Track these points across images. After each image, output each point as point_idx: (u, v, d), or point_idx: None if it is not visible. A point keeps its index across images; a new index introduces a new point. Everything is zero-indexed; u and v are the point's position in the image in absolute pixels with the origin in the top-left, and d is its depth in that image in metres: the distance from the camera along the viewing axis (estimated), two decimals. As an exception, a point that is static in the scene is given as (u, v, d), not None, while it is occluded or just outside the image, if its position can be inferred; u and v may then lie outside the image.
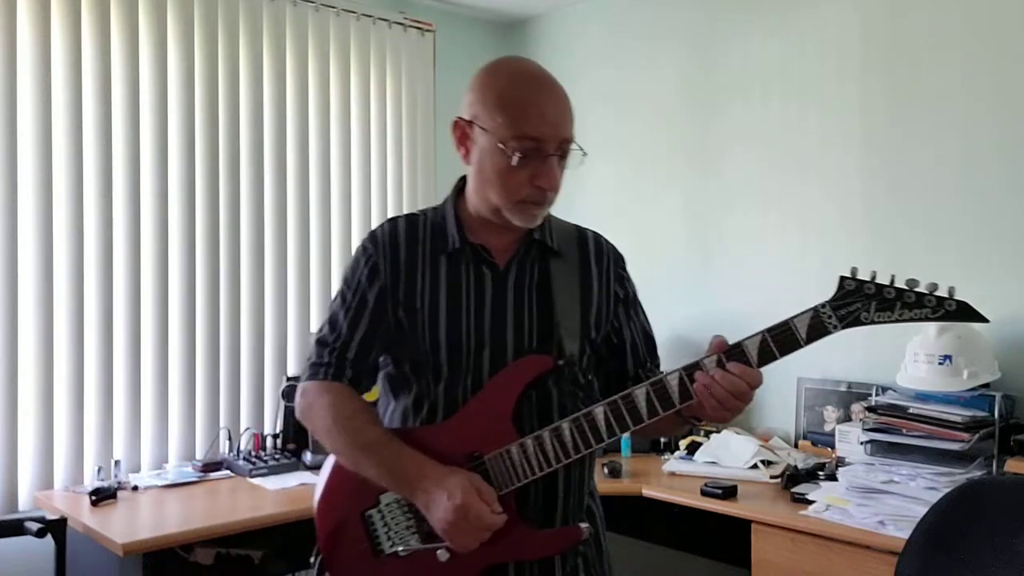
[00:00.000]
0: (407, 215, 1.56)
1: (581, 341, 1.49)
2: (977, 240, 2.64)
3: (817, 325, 1.28)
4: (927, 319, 1.25)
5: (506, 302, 1.47)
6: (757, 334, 1.31)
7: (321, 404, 1.48)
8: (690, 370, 1.34)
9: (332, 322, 1.52)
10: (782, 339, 1.30)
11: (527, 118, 1.39)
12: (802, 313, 1.29)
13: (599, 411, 1.38)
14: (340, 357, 1.49)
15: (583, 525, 1.46)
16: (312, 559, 1.52)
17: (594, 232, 1.62)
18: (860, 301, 1.26)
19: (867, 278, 1.27)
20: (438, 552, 1.39)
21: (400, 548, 1.42)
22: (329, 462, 1.53)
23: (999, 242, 2.60)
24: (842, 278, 1.28)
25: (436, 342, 1.45)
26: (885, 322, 1.26)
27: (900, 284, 1.25)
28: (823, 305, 1.29)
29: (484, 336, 1.45)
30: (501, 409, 1.41)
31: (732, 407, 1.32)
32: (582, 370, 1.52)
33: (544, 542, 1.44)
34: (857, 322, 1.27)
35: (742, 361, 1.31)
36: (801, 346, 1.29)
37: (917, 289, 1.25)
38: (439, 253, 1.49)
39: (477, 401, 1.43)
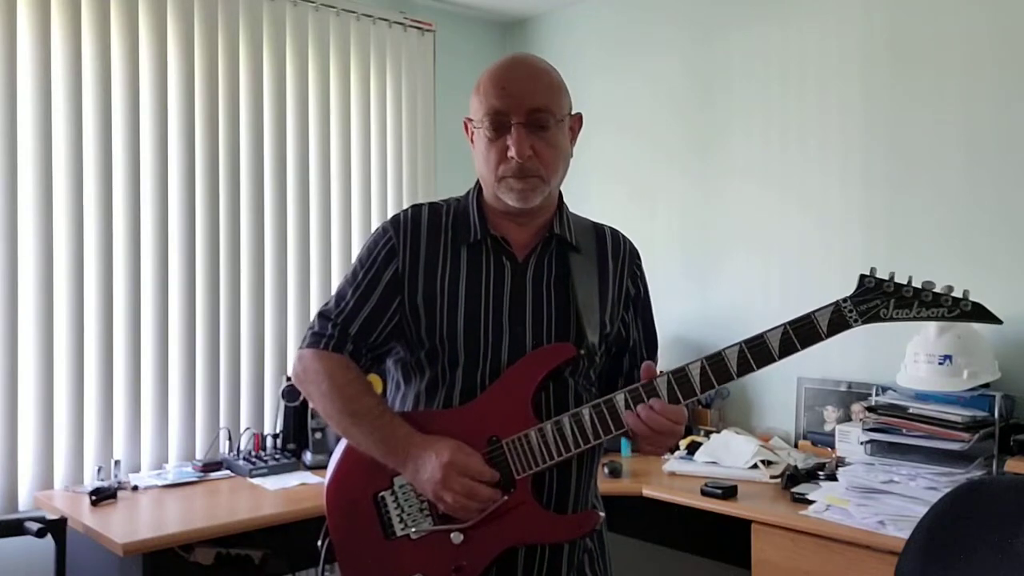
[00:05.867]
0: (430, 203, 1.57)
1: (600, 335, 1.50)
2: (979, 240, 2.64)
3: (838, 319, 1.31)
4: (943, 318, 1.29)
5: (525, 294, 1.48)
6: (779, 327, 1.34)
7: (317, 370, 1.48)
8: (712, 359, 1.36)
9: (339, 296, 1.53)
10: (804, 332, 1.32)
11: (491, 93, 1.44)
12: (823, 308, 1.32)
13: (619, 398, 1.39)
14: (343, 331, 1.50)
15: (600, 513, 1.48)
16: (320, 543, 1.50)
17: (611, 227, 1.64)
18: (879, 298, 1.30)
19: (886, 277, 1.31)
20: (451, 535, 1.39)
21: (412, 531, 1.42)
22: (341, 445, 1.53)
23: (1001, 242, 2.60)
24: (862, 276, 1.32)
25: (454, 329, 1.45)
26: (903, 319, 1.30)
27: (917, 284, 1.29)
28: (844, 300, 1.32)
29: (502, 325, 1.46)
30: (521, 395, 1.42)
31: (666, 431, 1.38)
32: (596, 367, 1.53)
33: (561, 526, 1.45)
34: (876, 318, 1.30)
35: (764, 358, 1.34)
36: (823, 339, 1.32)
37: (934, 290, 1.29)
38: (460, 243, 1.50)
39: (497, 386, 1.44)
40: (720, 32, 3.30)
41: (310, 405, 1.62)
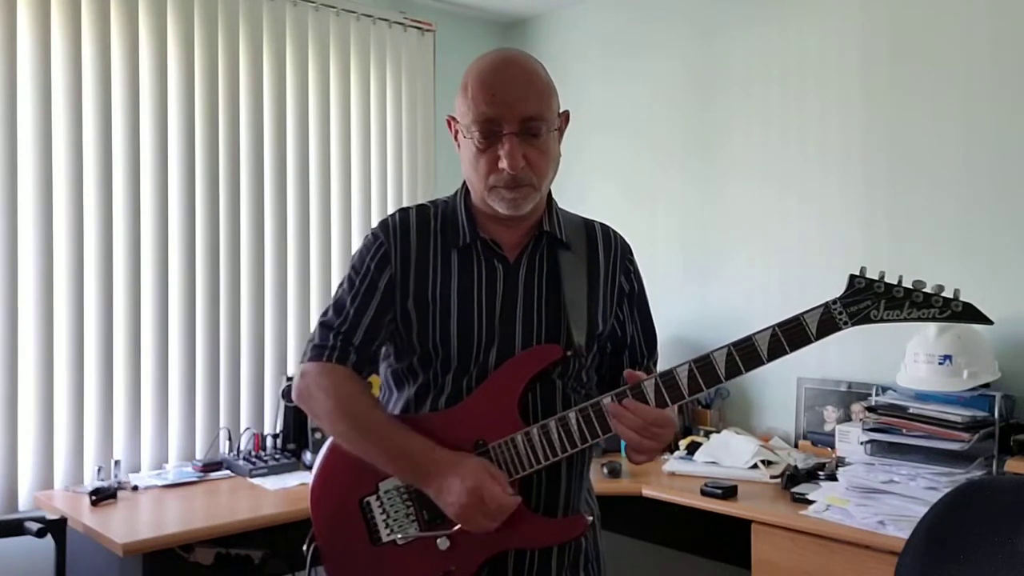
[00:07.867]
0: (418, 206, 1.54)
1: (588, 335, 1.48)
2: (979, 240, 2.64)
3: (827, 321, 1.29)
4: (934, 319, 1.27)
5: (516, 296, 1.46)
6: (767, 329, 1.31)
7: (320, 386, 1.45)
8: (699, 362, 1.34)
9: (338, 306, 1.49)
10: (792, 334, 1.30)
11: (481, 100, 1.38)
12: (812, 309, 1.30)
13: (606, 400, 1.37)
14: (345, 341, 1.47)
15: (588, 517, 1.46)
16: (305, 547, 1.48)
17: (602, 223, 1.61)
18: (870, 299, 1.28)
19: (876, 277, 1.29)
20: (438, 541, 1.39)
21: (399, 536, 1.41)
22: (325, 447, 1.50)
23: (1000, 241, 2.60)
24: (852, 276, 1.29)
25: (447, 336, 1.44)
26: (894, 320, 1.28)
27: (907, 284, 1.27)
28: (834, 301, 1.29)
29: (494, 330, 1.44)
30: (507, 398, 1.40)
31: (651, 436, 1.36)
32: (587, 368, 1.51)
33: (549, 530, 1.44)
34: (867, 319, 1.28)
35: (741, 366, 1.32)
36: (811, 341, 1.30)
37: (925, 290, 1.26)
38: (450, 247, 1.48)
39: (483, 389, 1.42)
40: (720, 32, 3.30)
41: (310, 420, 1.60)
